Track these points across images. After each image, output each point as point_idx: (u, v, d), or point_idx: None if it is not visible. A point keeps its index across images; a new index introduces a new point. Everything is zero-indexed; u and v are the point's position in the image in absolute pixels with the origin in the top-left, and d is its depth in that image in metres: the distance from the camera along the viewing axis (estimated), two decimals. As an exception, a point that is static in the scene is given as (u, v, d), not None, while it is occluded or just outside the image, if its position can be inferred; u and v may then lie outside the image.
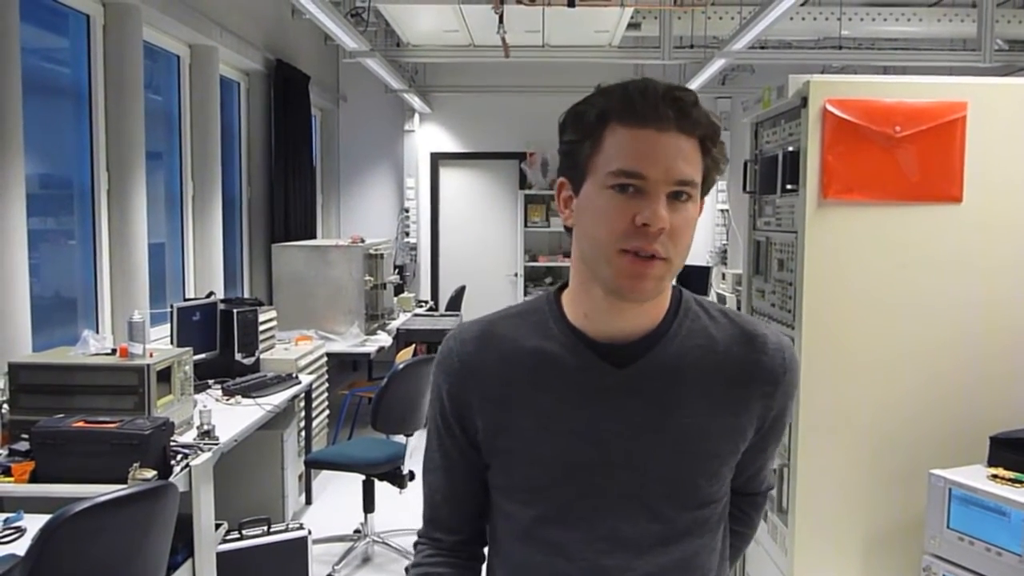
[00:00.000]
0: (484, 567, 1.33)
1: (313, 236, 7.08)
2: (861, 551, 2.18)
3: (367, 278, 6.06)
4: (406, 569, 1.28)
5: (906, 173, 2.16)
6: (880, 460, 2.17)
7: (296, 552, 3.69)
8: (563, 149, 1.15)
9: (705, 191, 1.11)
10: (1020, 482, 1.82)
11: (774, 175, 2.39)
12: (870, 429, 2.17)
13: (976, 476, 1.87)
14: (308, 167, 7.00)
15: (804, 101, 2.18)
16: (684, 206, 1.07)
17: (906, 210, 2.16)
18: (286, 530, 3.67)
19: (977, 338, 2.16)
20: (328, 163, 8.31)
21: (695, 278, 7.28)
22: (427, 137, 8.63)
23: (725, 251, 8.18)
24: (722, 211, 8.03)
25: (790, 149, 2.29)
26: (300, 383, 4.48)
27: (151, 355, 3.17)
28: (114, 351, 3.23)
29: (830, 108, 2.15)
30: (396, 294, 7.12)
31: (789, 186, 2.28)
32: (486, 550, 1.32)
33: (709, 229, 8.23)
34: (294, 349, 5.02)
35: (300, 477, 4.76)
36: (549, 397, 1.17)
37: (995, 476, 1.86)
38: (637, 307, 1.12)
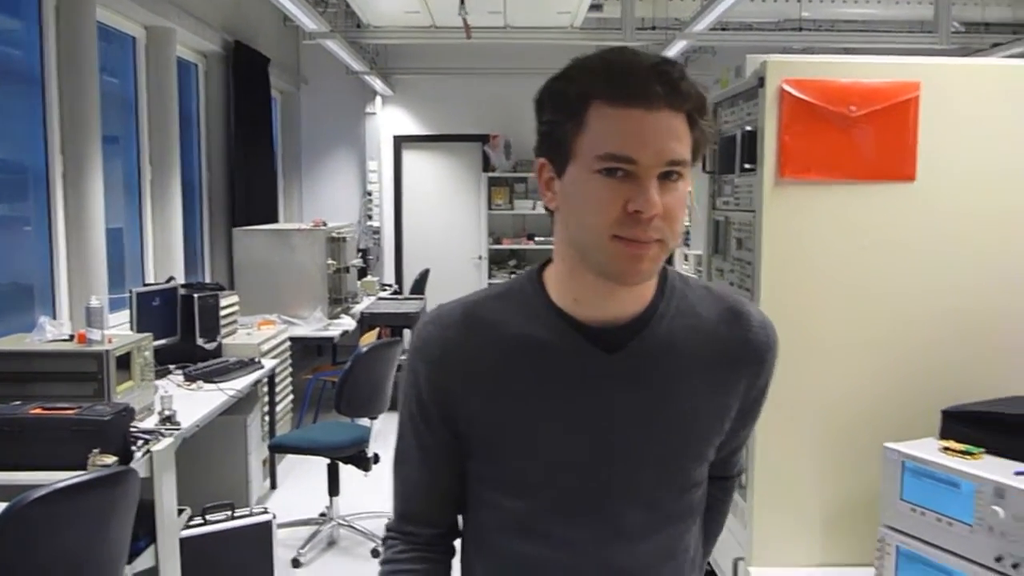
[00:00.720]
0: (460, 559, 1.28)
1: (275, 220, 7.02)
2: (820, 525, 2.22)
3: (330, 262, 6.02)
4: (380, 562, 1.28)
5: (861, 152, 2.19)
6: (837, 436, 2.21)
7: (261, 536, 3.67)
8: (543, 129, 1.09)
9: (694, 163, 1.07)
10: (970, 454, 1.86)
11: (733, 155, 2.41)
12: (827, 405, 2.21)
13: (928, 449, 1.91)
14: (269, 150, 6.93)
15: (761, 81, 2.20)
16: (675, 185, 1.03)
17: (861, 189, 2.20)
18: (250, 515, 3.66)
19: (931, 315, 2.20)
20: (289, 146, 8.23)
21: (658, 259, 7.32)
22: (389, 120, 8.57)
23: (688, 232, 8.25)
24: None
25: (748, 129, 2.31)
26: (263, 368, 4.45)
27: (110, 341, 3.13)
28: (72, 337, 3.18)
29: (787, 88, 2.17)
30: (360, 278, 7.08)
31: (747, 166, 2.30)
32: (458, 543, 1.27)
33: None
34: (257, 334, 4.98)
35: (264, 462, 4.73)
36: (539, 386, 1.13)
37: (947, 449, 1.91)
38: (628, 289, 1.08)
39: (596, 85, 1.03)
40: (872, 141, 2.18)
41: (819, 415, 2.21)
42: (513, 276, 1.26)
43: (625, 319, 1.11)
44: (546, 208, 1.13)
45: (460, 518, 1.28)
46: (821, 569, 2.17)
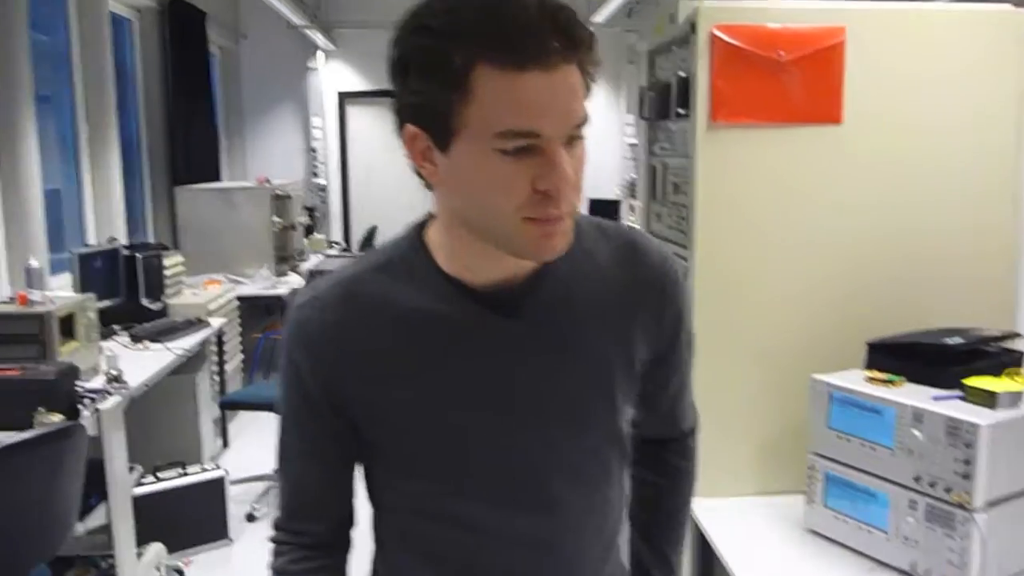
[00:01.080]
0: (373, 554, 1.22)
1: (217, 178, 6.92)
2: (755, 457, 2.31)
3: (275, 220, 5.98)
4: (273, 570, 1.18)
5: (790, 97, 2.24)
6: (770, 372, 2.29)
7: (213, 492, 3.71)
8: (413, 100, 0.93)
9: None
10: (892, 382, 1.96)
11: (668, 101, 2.45)
12: (761, 343, 2.29)
13: (854, 379, 2.00)
14: (208, 108, 6.81)
15: (693, 27, 2.24)
16: (578, 144, 0.94)
17: (790, 132, 2.25)
18: (202, 471, 3.68)
19: (858, 255, 2.28)
20: (230, 103, 8.09)
21: (605, 212, 7.40)
22: (332, 75, 8.47)
23: (634, 184, 8.32)
24: (631, 145, 8.14)
25: (681, 75, 2.36)
26: (210, 327, 4.43)
27: (51, 302, 3.10)
28: (12, 299, 3.15)
29: (717, 34, 2.21)
30: (307, 235, 7.05)
31: (681, 111, 2.35)
32: (353, 533, 1.20)
33: (618, 162, 8.34)
34: (203, 293, 4.95)
35: (216, 421, 4.74)
36: (438, 361, 1.04)
37: (871, 379, 2.00)
38: None
39: (478, 44, 0.87)
40: (800, 85, 2.23)
41: (753, 353, 2.29)
42: (389, 242, 1.14)
43: (520, 278, 1.03)
44: (421, 177, 1.00)
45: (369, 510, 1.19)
46: (757, 497, 2.27)
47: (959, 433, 1.74)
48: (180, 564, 3.55)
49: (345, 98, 8.38)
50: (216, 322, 4.52)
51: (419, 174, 1.00)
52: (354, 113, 8.49)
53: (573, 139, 0.93)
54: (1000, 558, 1.80)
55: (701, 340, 2.28)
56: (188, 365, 4.09)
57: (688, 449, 1.38)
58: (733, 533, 2.06)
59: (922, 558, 1.82)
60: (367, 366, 1.05)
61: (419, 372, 1.04)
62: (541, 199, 0.91)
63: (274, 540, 1.18)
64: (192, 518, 3.63)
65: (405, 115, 0.96)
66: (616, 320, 1.10)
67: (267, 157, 8.26)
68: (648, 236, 1.19)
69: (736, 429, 2.31)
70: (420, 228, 1.09)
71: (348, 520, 1.19)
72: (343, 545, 1.20)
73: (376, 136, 8.58)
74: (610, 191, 8.16)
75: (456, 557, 1.12)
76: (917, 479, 1.82)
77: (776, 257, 2.28)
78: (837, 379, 2.01)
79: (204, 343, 4.32)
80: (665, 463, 1.33)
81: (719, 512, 2.10)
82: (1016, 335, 2.14)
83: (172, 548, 3.40)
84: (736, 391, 2.29)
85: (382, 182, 8.57)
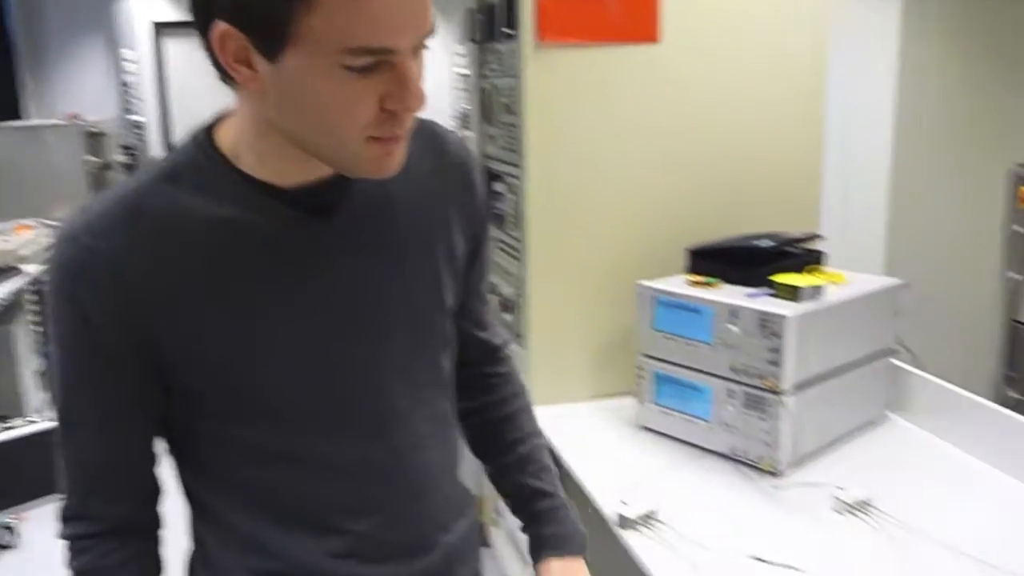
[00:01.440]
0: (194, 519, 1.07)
1: (17, 116, 6.42)
2: (589, 363, 2.44)
3: (89, 159, 5.63)
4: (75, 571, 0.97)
5: (611, 16, 2.31)
6: (599, 281, 2.40)
7: (42, 446, 3.53)
8: (234, 3, 0.81)
9: None
10: (710, 284, 2.10)
11: (494, 22, 2.48)
12: (588, 254, 2.39)
13: (676, 284, 2.14)
14: (3, 40, 6.27)
15: (516, -54, 2.26)
16: (421, 57, 0.86)
17: (612, 51, 2.33)
18: (28, 424, 3.50)
19: (676, 168, 2.41)
20: (31, 36, 7.46)
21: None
22: (144, 4, 7.94)
23: (466, 115, 8.31)
24: (462, 75, 8.11)
25: (507, -6, 2.38)
26: (24, 275, 4.17)
27: None
28: None
29: (540, -48, 2.25)
30: (127, 175, 6.68)
31: (508, 31, 2.38)
32: (162, 507, 1.04)
33: (449, 94, 8.30)
34: (14, 239, 4.63)
35: (41, 373, 4.49)
36: (251, 275, 0.92)
37: (691, 282, 2.14)
38: None
39: None
40: (619, 4, 2.31)
41: (583, 266, 2.39)
42: (171, 152, 0.99)
43: (329, 176, 0.93)
44: (227, 80, 0.88)
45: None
46: (592, 402, 2.40)
47: (769, 325, 1.90)
48: (10, 521, 3.38)
49: (160, 29, 7.90)
50: (31, 269, 4.24)
51: (219, 69, 0.87)
52: (172, 46, 8.02)
53: (417, 50, 0.84)
54: (806, 436, 2.00)
55: (534, 256, 2.37)
56: (3, 316, 3.84)
57: (509, 359, 1.30)
58: (571, 436, 2.18)
59: (740, 442, 1.99)
60: (168, 293, 0.89)
61: (232, 291, 0.91)
62: (387, 118, 0.84)
63: (66, 535, 0.98)
64: (21, 473, 3.44)
65: (219, 12, 0.81)
66: (432, 211, 1.04)
67: (77, 93, 7.70)
68: (436, 122, 1.10)
69: (571, 339, 2.42)
70: (207, 132, 0.96)
71: (156, 493, 1.02)
72: (154, 524, 1.03)
73: (196, 68, 8.12)
74: (444, 122, 8.11)
75: (290, 498, 0.99)
76: (734, 370, 1.98)
77: (603, 173, 2.38)
78: (661, 284, 2.14)
79: (19, 292, 4.06)
80: (496, 377, 1.27)
81: (557, 419, 2.21)
82: (817, 236, 2.34)
83: (1, 505, 3.22)
84: (569, 303, 2.40)
85: (206, 116, 8.17)
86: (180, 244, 0.89)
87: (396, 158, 0.89)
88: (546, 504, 1.24)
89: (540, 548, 1.24)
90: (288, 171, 0.92)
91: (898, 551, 0.95)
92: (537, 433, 1.30)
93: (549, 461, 1.29)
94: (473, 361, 1.23)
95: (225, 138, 0.94)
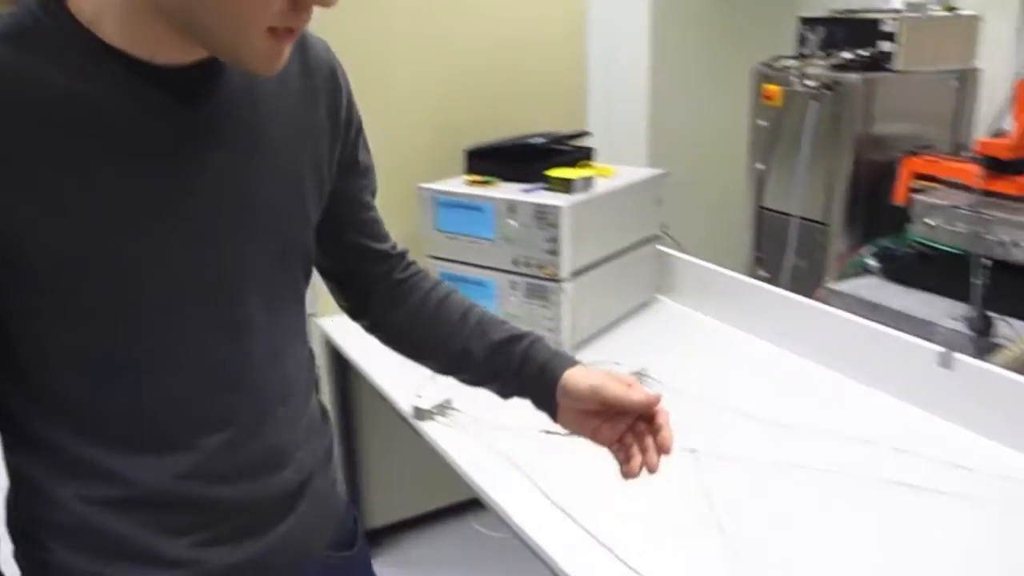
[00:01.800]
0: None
1: None
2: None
3: None
4: None
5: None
6: (382, 186, 2.40)
7: None
8: None
9: None
10: (489, 182, 2.17)
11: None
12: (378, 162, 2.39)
13: (455, 184, 2.19)
14: None
15: None
16: None
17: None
18: None
19: (454, 77, 2.45)
20: None
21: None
22: None
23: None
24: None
25: None
26: None
27: None
28: None
29: None
30: None
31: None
32: None
33: None
34: None
35: None
36: (108, 160, 0.81)
37: (471, 182, 2.19)
38: None
39: None
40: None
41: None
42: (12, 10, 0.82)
43: (203, 59, 0.84)
44: None
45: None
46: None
47: (545, 216, 1.99)
48: None
49: None
50: None
51: None
52: None
53: None
54: (585, 320, 2.13)
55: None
56: None
57: (415, 262, 1.23)
58: (363, 340, 2.17)
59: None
60: (10, 177, 0.76)
61: (83, 179, 0.79)
62: (295, 9, 0.76)
63: None
64: None
65: None
66: (299, 111, 0.97)
67: None
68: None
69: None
70: None
71: None
72: None
73: None
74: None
75: (130, 413, 0.89)
76: (516, 263, 2.06)
77: (387, 85, 2.36)
78: (441, 185, 2.18)
79: None
80: (412, 277, 1.20)
81: (348, 324, 2.21)
82: (586, 133, 2.46)
83: None
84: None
85: None
86: (21, 117, 0.76)
87: (285, 56, 0.80)
88: (529, 340, 1.14)
89: (551, 371, 1.10)
90: (159, 48, 0.81)
91: (669, 408, 1.06)
92: (476, 303, 1.21)
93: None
94: (383, 274, 1.18)
95: (82, 3, 0.79)
